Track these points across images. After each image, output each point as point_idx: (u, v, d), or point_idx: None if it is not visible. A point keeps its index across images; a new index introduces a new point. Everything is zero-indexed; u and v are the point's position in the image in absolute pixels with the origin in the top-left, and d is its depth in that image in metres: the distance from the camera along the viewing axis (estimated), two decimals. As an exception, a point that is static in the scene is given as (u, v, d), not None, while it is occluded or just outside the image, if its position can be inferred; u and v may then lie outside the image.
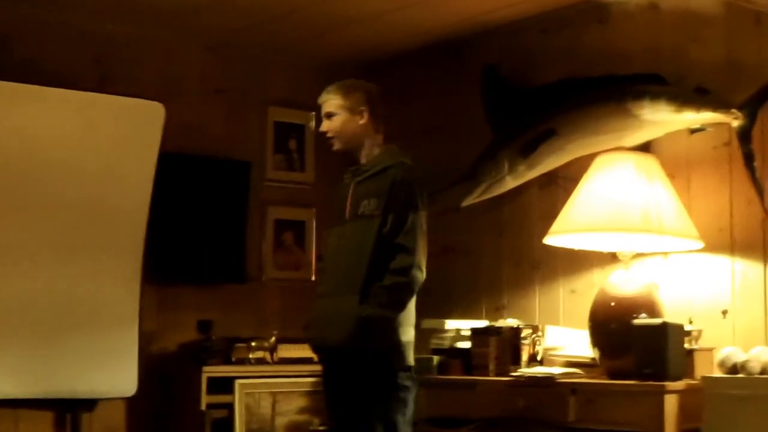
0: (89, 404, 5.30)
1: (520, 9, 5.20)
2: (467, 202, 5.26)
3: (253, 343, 5.49)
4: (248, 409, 5.38)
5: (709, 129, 4.53)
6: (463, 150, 5.48)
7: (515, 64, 5.39)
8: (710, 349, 4.34)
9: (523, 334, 4.75)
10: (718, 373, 4.13)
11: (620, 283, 4.48)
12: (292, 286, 5.94)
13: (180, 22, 5.47)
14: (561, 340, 4.80)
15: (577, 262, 4.99)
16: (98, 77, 5.46)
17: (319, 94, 4.33)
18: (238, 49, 5.88)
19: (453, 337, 4.98)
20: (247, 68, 5.99)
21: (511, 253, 5.37)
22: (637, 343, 4.20)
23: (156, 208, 5.32)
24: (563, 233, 4.63)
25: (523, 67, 5.36)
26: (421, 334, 4.99)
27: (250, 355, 5.47)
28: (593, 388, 4.32)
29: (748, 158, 4.34)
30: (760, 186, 4.33)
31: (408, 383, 4.10)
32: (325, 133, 4.27)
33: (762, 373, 3.99)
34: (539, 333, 4.80)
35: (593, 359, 4.51)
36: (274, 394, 5.44)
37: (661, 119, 4.57)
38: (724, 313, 4.48)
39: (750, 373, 3.99)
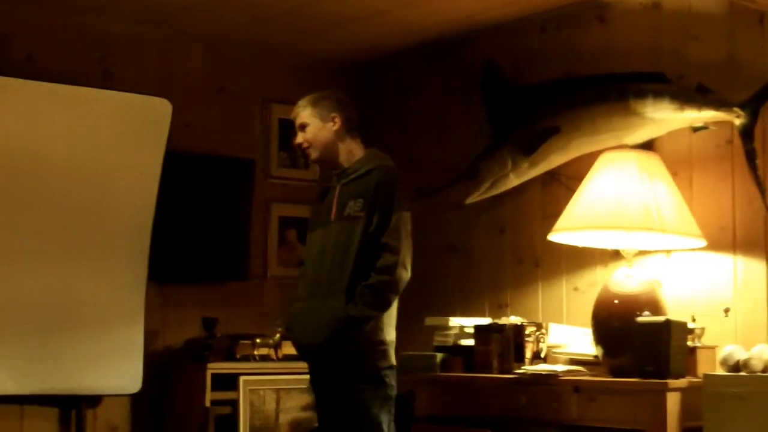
0: (94, 401, 5.32)
1: (520, 7, 5.16)
2: (471, 199, 5.24)
3: (257, 340, 5.47)
4: (252, 405, 5.36)
5: (711, 127, 4.50)
6: (462, 148, 5.48)
7: (515, 63, 5.36)
8: (712, 347, 4.30)
9: (526, 332, 4.71)
10: (720, 371, 4.08)
11: (623, 280, 4.43)
12: (295, 284, 5.88)
13: (182, 20, 5.45)
14: (564, 337, 4.77)
15: (580, 259, 4.95)
16: (101, 75, 5.44)
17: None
18: (239, 46, 5.85)
19: (456, 334, 4.94)
20: (249, 66, 5.96)
21: (513, 250, 5.34)
22: (639, 341, 4.16)
23: (161, 206, 5.32)
24: (566, 230, 4.59)
25: (523, 65, 5.33)
26: (425, 332, 5.02)
27: (255, 352, 5.45)
28: (596, 385, 4.28)
29: (750, 156, 4.31)
30: (762, 184, 4.30)
31: (393, 382, 4.13)
32: (300, 144, 4.31)
33: (764, 371, 3.95)
34: (542, 330, 4.76)
35: (596, 357, 4.47)
36: (278, 391, 5.42)
37: (664, 117, 4.54)
38: (726, 311, 4.43)
39: (752, 371, 3.95)
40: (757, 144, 4.33)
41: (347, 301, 4.04)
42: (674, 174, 4.54)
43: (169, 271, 5.53)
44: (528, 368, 4.53)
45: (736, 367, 4.00)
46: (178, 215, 5.51)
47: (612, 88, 4.68)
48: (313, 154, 4.30)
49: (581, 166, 4.76)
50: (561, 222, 4.59)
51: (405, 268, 4.08)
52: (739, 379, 3.94)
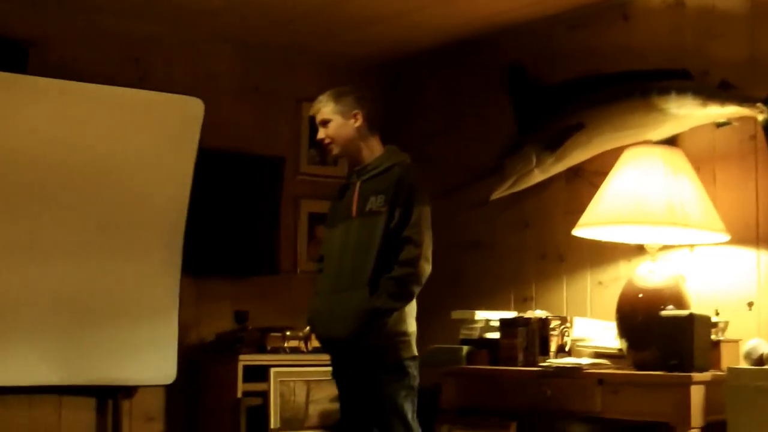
0: (129, 391, 5.32)
1: (544, 7, 5.11)
2: (496, 195, 5.21)
3: (287, 333, 5.45)
4: (283, 396, 5.34)
5: (734, 123, 4.43)
6: (486, 146, 5.42)
7: (539, 61, 5.30)
8: (736, 341, 4.23)
9: (551, 325, 4.66)
10: (743, 365, 4.01)
11: (647, 275, 4.36)
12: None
13: (215, 22, 5.45)
14: (588, 331, 4.71)
15: (604, 254, 4.89)
16: (136, 77, 5.43)
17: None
18: (269, 47, 5.84)
19: (482, 327, 4.89)
20: (278, 66, 5.95)
21: (537, 245, 5.28)
22: (663, 335, 4.09)
23: (194, 203, 5.31)
24: (590, 225, 4.53)
25: (547, 64, 5.26)
26: (451, 325, 4.98)
27: (285, 345, 5.44)
28: (620, 378, 4.22)
29: (773, 151, 4.24)
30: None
31: (415, 372, 4.12)
32: (322, 140, 4.27)
33: (788, 364, 3.88)
34: (567, 324, 4.70)
35: (620, 350, 4.40)
36: (308, 383, 5.40)
37: (687, 113, 4.48)
38: (750, 305, 4.37)
39: (775, 365, 3.88)
40: (780, 139, 4.26)
41: (370, 293, 4.01)
42: (698, 169, 4.47)
43: (203, 265, 5.53)
44: (553, 361, 4.48)
45: (760, 360, 3.93)
46: (212, 211, 5.51)
47: (636, 85, 4.62)
48: (335, 150, 4.27)
49: (605, 162, 4.70)
50: (585, 217, 4.53)
51: (427, 260, 4.06)
52: (762, 373, 3.86)
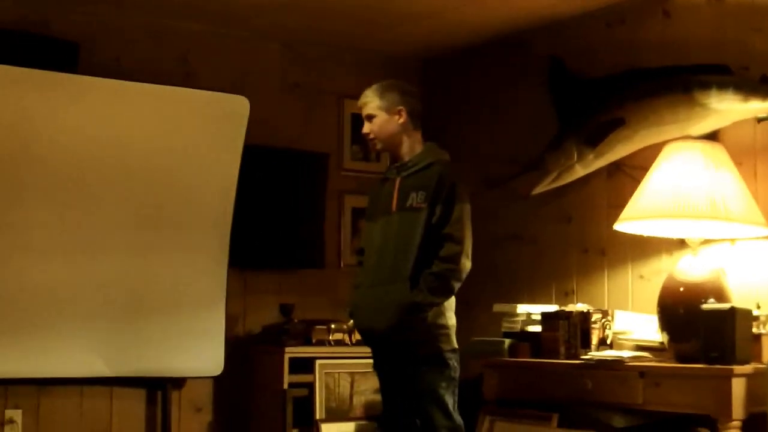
0: (178, 382, 5.35)
1: (584, 2, 5.07)
2: (538, 190, 5.19)
3: (332, 326, 5.45)
4: (327, 388, 5.35)
5: (775, 117, 4.37)
6: (526, 141, 5.40)
7: (579, 57, 5.25)
8: (777, 334, 4.17)
9: (592, 319, 4.61)
10: (785, 358, 3.96)
11: (688, 268, 4.31)
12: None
13: (259, 20, 5.45)
14: (630, 324, 4.67)
15: (645, 248, 4.83)
16: (183, 74, 5.46)
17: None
18: (312, 45, 5.85)
19: (524, 321, 4.88)
20: (322, 63, 5.95)
21: (579, 239, 5.23)
22: (704, 328, 4.04)
23: (241, 198, 5.33)
24: (632, 220, 4.49)
25: (588, 59, 5.21)
26: (493, 318, 4.96)
27: (330, 337, 5.43)
28: (661, 371, 4.17)
29: (814, 146, 4.19)
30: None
31: (456, 364, 4.13)
32: (367, 134, 4.27)
33: (829, 357, 3.82)
34: (608, 317, 4.66)
35: (661, 343, 4.36)
36: (352, 374, 5.41)
37: (728, 108, 4.42)
38: (791, 298, 4.31)
39: (817, 358, 3.83)
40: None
41: (411, 288, 4.02)
42: (739, 164, 4.41)
43: (250, 258, 5.54)
44: (594, 354, 4.45)
45: (801, 353, 3.87)
46: (258, 206, 5.52)
47: (677, 80, 4.56)
48: (378, 145, 4.29)
49: (646, 157, 4.65)
50: (627, 211, 4.49)
51: (467, 257, 4.07)
52: (804, 365, 3.81)
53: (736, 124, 4.48)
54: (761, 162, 4.48)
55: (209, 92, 5.28)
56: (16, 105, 4.76)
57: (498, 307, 4.97)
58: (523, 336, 4.80)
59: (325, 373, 5.34)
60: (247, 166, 5.32)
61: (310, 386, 5.30)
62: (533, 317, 4.84)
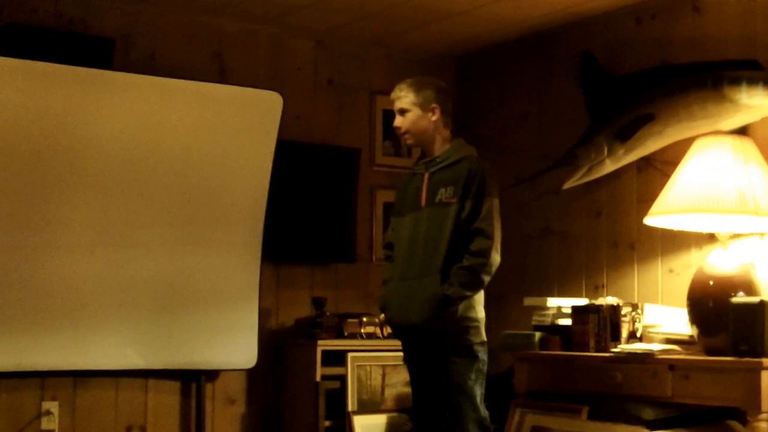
0: (212, 375, 5.39)
1: (614, -1, 5.11)
2: (568, 185, 5.19)
3: (364, 319, 5.50)
4: (359, 380, 5.38)
5: (805, 112, 4.38)
6: (557, 137, 5.42)
7: (610, 53, 5.27)
8: (807, 327, 4.17)
9: (622, 312, 4.63)
10: (814, 351, 3.96)
11: (718, 262, 4.34)
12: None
13: (293, 17, 5.49)
14: (659, 317, 4.69)
15: (675, 242, 4.86)
16: (217, 71, 5.51)
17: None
18: (345, 42, 5.89)
19: (554, 314, 4.90)
20: (354, 60, 5.98)
21: (609, 234, 5.26)
22: (734, 321, 4.06)
23: (274, 193, 5.36)
24: (662, 214, 4.52)
25: (619, 55, 5.24)
26: (524, 311, 4.99)
27: (362, 330, 5.48)
28: (691, 364, 4.19)
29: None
30: None
31: (484, 357, 4.15)
32: (398, 128, 4.28)
33: None
34: (638, 311, 4.68)
35: (691, 336, 4.39)
36: (383, 367, 5.44)
37: (758, 103, 4.44)
38: (820, 291, 4.31)
39: None
40: None
41: (441, 282, 4.05)
42: (768, 158, 4.43)
43: (283, 253, 5.59)
44: (624, 347, 4.47)
45: (830, 346, 3.89)
46: (291, 201, 5.57)
47: (707, 76, 4.58)
48: (410, 140, 4.30)
49: (676, 152, 4.68)
50: (656, 206, 4.52)
51: (497, 252, 4.10)
52: (833, 359, 3.83)
53: (766, 119, 4.49)
54: (791, 157, 4.49)
55: (242, 88, 5.32)
56: (51, 102, 4.80)
57: (528, 301, 5.00)
58: (553, 329, 4.83)
59: (357, 365, 5.37)
60: (280, 162, 5.37)
61: (342, 379, 5.33)
62: (563, 311, 4.86)
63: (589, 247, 5.36)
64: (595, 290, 5.25)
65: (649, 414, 4.29)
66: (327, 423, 5.28)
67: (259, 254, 5.35)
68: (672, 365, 4.22)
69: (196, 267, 5.20)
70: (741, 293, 4.15)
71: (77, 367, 4.95)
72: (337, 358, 5.35)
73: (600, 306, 4.66)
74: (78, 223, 4.91)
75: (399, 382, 5.41)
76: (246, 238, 5.34)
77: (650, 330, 4.64)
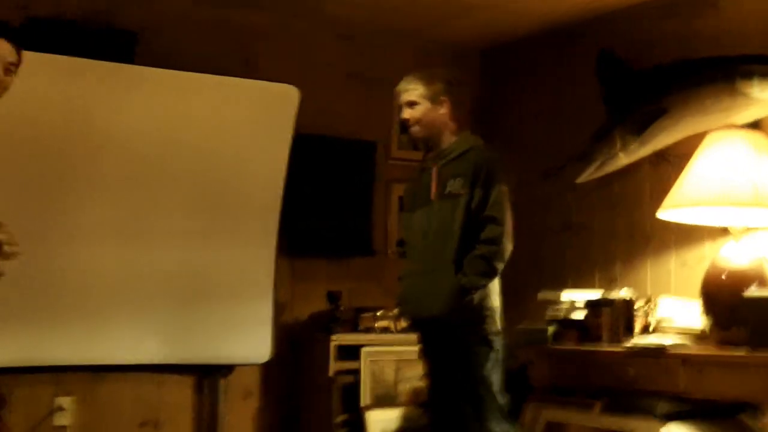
0: (226, 369, 5.40)
1: (635, -5, 5.14)
2: (582, 179, 5.20)
3: (378, 313, 5.52)
4: (373, 375, 5.41)
5: (818, 106, 4.39)
6: (578, 131, 5.42)
7: (630, 48, 5.28)
8: (820, 321, 4.18)
9: (636, 306, 4.67)
10: (827, 345, 3.98)
11: (731, 256, 4.37)
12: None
13: (314, 12, 5.54)
14: (673, 311, 4.71)
15: (688, 235, 4.89)
16: (242, 65, 5.51)
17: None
18: (367, 36, 5.92)
19: (568, 308, 4.91)
20: (375, 54, 6.00)
21: (623, 227, 5.30)
22: (747, 315, 4.08)
23: (291, 186, 5.39)
24: (676, 207, 4.55)
25: (638, 50, 5.25)
26: (537, 305, 5.02)
27: (376, 325, 5.50)
28: (704, 358, 4.21)
29: None
30: None
31: (499, 347, 4.18)
32: (407, 120, 4.30)
33: None
34: (652, 304, 4.71)
35: (704, 330, 4.41)
36: (397, 362, 5.46)
37: (770, 97, 4.45)
38: (834, 285, 4.31)
39: None
40: None
41: (457, 271, 4.08)
42: (782, 152, 4.44)
43: (298, 246, 5.61)
44: (637, 341, 4.49)
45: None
46: (307, 194, 5.61)
47: (719, 70, 4.59)
48: (418, 133, 4.34)
49: (689, 146, 4.69)
50: (670, 199, 4.55)
51: (509, 238, 4.13)
52: None
53: (779, 113, 4.51)
54: (805, 150, 4.49)
55: (259, 81, 5.34)
56: (73, 95, 4.84)
57: (543, 295, 5.02)
58: (567, 323, 4.85)
59: (371, 360, 5.39)
60: (298, 155, 5.39)
61: (357, 373, 5.35)
62: (577, 304, 4.88)
63: (602, 241, 5.39)
64: (608, 284, 5.26)
65: (662, 408, 4.30)
66: (341, 418, 5.31)
67: (274, 248, 5.37)
68: (685, 359, 4.23)
69: (210, 261, 5.22)
70: (754, 287, 4.17)
71: (92, 361, 4.96)
72: (351, 352, 5.38)
73: (613, 300, 4.68)
74: (95, 216, 4.93)
75: (413, 376, 5.41)
76: (261, 231, 5.36)
77: (663, 324, 4.67)
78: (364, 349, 5.39)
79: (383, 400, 5.41)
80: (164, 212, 5.11)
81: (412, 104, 4.30)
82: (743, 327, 4.09)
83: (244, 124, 5.31)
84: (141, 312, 5.06)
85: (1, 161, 4.63)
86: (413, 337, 4.50)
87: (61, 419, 5.01)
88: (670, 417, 4.27)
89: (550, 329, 4.84)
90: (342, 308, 5.51)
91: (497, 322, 4.20)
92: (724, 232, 4.62)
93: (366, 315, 5.53)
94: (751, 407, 4.10)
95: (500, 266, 4.12)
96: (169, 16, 5.35)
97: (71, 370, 4.99)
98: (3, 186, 4.50)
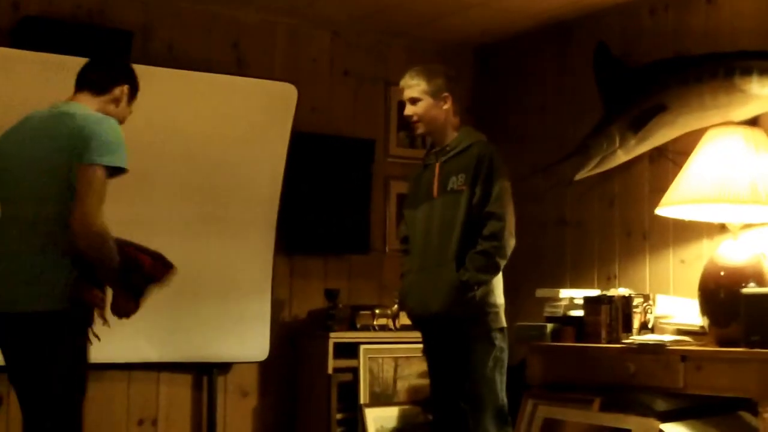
0: (224, 367, 5.43)
1: (629, -10, 5.16)
2: (580, 175, 5.23)
3: (376, 311, 5.55)
4: (372, 372, 5.43)
5: (817, 102, 4.41)
6: (574, 127, 5.46)
7: (625, 44, 5.32)
8: (818, 318, 4.21)
9: (634, 303, 4.69)
10: (825, 341, 4.00)
11: (729, 253, 4.39)
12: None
13: (309, 9, 5.55)
14: (671, 308, 4.74)
15: (686, 232, 4.92)
16: (235, 62, 5.56)
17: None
18: (362, 33, 5.94)
19: (566, 305, 4.93)
20: (370, 51, 6.03)
21: (621, 224, 5.32)
22: (745, 312, 4.10)
23: (289, 184, 5.42)
24: (673, 204, 4.57)
25: (633, 46, 5.29)
26: (536, 303, 5.03)
27: (374, 322, 5.53)
28: (702, 355, 4.23)
29: None
30: None
31: (503, 344, 4.19)
32: (410, 117, 4.31)
33: None
34: (650, 302, 4.73)
35: (702, 327, 4.43)
36: (395, 359, 5.49)
37: (769, 94, 4.48)
38: (832, 282, 4.34)
39: None
40: None
41: (458, 268, 4.09)
42: (780, 149, 4.47)
43: (296, 244, 5.64)
44: (636, 338, 4.51)
45: (841, 336, 3.92)
46: (306, 192, 5.63)
47: (718, 66, 4.62)
48: (421, 129, 4.34)
49: (688, 142, 4.72)
50: (668, 196, 4.57)
51: (511, 233, 4.14)
52: (844, 349, 3.87)
53: (778, 109, 4.54)
54: (803, 147, 4.51)
55: (258, 80, 5.37)
56: (69, 93, 4.88)
57: (541, 292, 5.03)
58: (565, 320, 4.87)
59: (369, 357, 5.42)
60: (295, 153, 5.42)
61: (355, 371, 5.38)
62: (575, 302, 4.90)
63: (601, 238, 5.41)
64: (607, 281, 5.30)
65: (661, 405, 4.32)
66: (339, 415, 5.33)
67: (272, 245, 5.41)
68: (684, 356, 4.25)
69: (209, 258, 5.24)
70: (752, 284, 4.19)
71: (90, 360, 4.97)
72: (349, 350, 5.40)
73: (612, 297, 4.70)
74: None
75: (411, 374, 5.47)
76: (260, 228, 5.39)
77: (662, 321, 4.69)
78: (362, 347, 5.41)
79: (381, 398, 5.44)
80: (164, 210, 5.14)
81: (414, 101, 4.30)
82: (741, 324, 4.11)
83: (242, 123, 5.33)
84: (139, 310, 5.04)
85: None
86: (412, 334, 4.50)
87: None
88: (669, 414, 4.29)
89: (549, 326, 4.86)
90: (340, 306, 5.53)
91: (502, 319, 4.20)
92: (722, 229, 4.65)
93: (364, 312, 5.56)
94: (749, 403, 4.11)
95: (502, 262, 4.13)
96: (163, 15, 5.37)
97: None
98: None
